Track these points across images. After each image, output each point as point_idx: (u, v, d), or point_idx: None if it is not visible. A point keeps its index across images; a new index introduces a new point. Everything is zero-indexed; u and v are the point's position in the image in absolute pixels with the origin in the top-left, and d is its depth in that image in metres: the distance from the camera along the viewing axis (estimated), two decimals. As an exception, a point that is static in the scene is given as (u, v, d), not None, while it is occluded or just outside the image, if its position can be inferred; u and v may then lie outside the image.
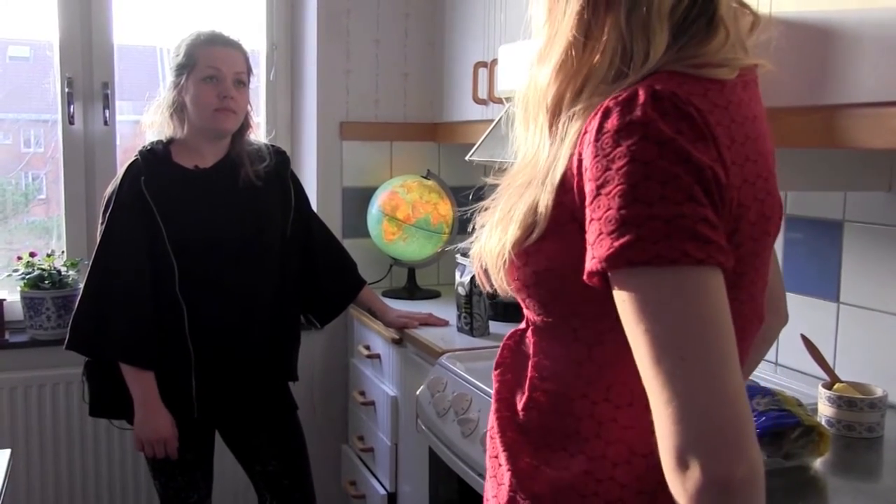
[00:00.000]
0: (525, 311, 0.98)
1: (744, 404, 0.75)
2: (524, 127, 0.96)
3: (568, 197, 0.86)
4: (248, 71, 2.13)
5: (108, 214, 2.04)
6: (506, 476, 0.95)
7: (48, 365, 2.60)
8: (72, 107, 2.68)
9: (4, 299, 2.61)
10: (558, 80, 0.90)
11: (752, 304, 0.90)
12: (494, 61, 2.29)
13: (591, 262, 0.80)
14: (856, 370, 1.63)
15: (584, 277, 0.82)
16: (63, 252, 2.71)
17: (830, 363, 1.62)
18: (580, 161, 0.84)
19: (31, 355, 2.61)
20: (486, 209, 0.99)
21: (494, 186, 0.99)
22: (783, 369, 1.85)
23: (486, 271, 0.98)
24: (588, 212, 0.81)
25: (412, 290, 2.81)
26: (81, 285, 2.51)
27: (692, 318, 0.75)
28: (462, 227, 2.80)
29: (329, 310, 2.38)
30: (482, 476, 1.68)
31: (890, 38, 1.17)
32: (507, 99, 2.13)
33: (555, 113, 0.91)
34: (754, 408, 1.32)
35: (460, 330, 2.26)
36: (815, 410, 1.51)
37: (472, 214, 1.02)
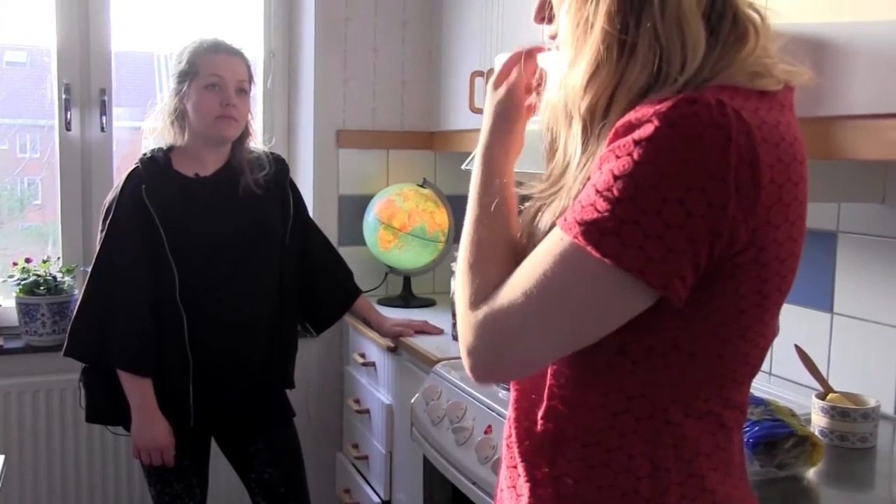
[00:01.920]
0: None
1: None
2: (555, 136, 0.94)
3: None
4: (250, 79, 2.14)
5: (108, 222, 2.04)
6: (525, 487, 0.94)
7: (43, 371, 2.60)
8: (69, 113, 2.68)
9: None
10: (595, 84, 0.87)
11: (772, 322, 0.91)
12: (491, 71, 2.29)
13: (567, 215, 0.83)
14: (849, 381, 1.64)
15: (555, 219, 0.86)
16: (59, 258, 2.71)
17: (824, 373, 1.62)
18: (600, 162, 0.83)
19: (25, 361, 2.60)
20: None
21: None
22: (777, 379, 1.85)
23: None
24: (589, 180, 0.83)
25: (407, 299, 2.81)
26: (77, 292, 2.52)
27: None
28: (458, 236, 2.80)
29: (324, 318, 2.38)
30: (476, 484, 1.68)
31: (883, 51, 1.18)
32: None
33: (591, 120, 0.88)
34: (748, 417, 1.33)
35: (455, 338, 2.26)
36: (809, 420, 1.51)
37: None
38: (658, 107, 0.80)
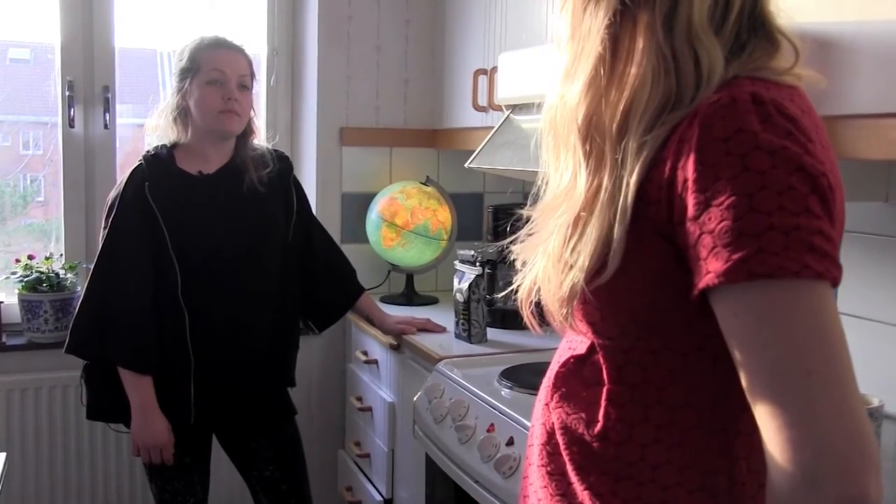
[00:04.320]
0: (591, 338, 0.92)
1: (868, 421, 0.73)
2: (554, 150, 0.91)
3: (650, 211, 0.82)
4: (252, 75, 2.14)
5: (111, 219, 2.05)
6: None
7: (45, 368, 2.60)
8: (72, 110, 2.68)
9: (2, 302, 2.61)
10: (588, 98, 0.86)
11: None
12: (494, 69, 2.30)
13: (707, 276, 0.76)
14: (852, 380, 1.63)
15: (695, 293, 0.78)
16: (62, 255, 2.71)
17: (827, 373, 1.62)
18: (672, 171, 0.80)
19: (28, 358, 2.61)
20: (523, 244, 0.94)
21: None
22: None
23: (537, 310, 0.94)
24: (693, 226, 0.77)
25: (410, 297, 2.81)
26: (80, 289, 2.52)
27: (816, 332, 0.72)
28: (461, 234, 2.81)
29: (327, 316, 2.38)
30: (478, 482, 1.68)
31: (887, 51, 1.18)
32: (507, 106, 2.15)
33: (587, 135, 0.86)
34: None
35: (458, 336, 2.26)
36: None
37: (506, 249, 0.97)
38: (714, 107, 0.78)
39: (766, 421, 0.73)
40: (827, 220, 0.76)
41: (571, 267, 0.86)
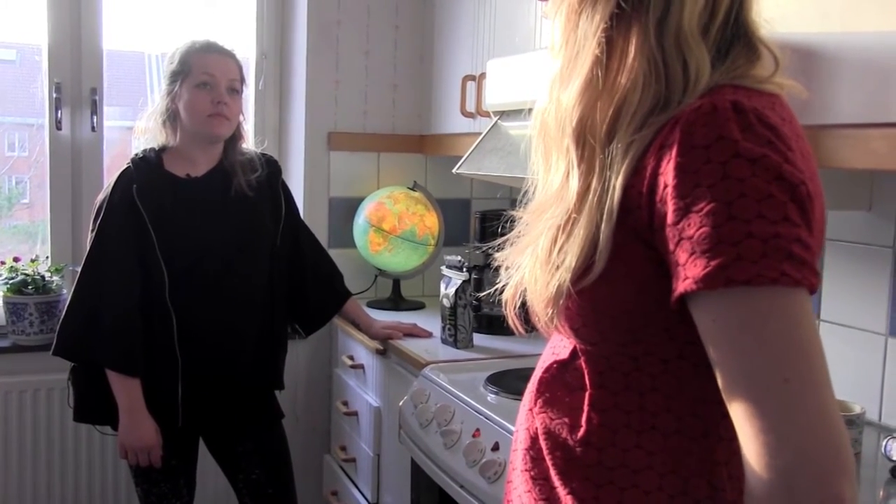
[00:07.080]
0: (573, 342, 0.92)
1: (844, 427, 0.74)
2: (545, 153, 0.92)
3: (632, 217, 0.82)
4: (242, 79, 2.14)
5: (98, 221, 2.04)
6: None
7: (30, 370, 2.59)
8: (59, 112, 2.67)
9: (-13, 304, 2.60)
10: (583, 101, 0.86)
11: None
12: (483, 75, 2.31)
13: (685, 282, 0.76)
14: (834, 387, 1.64)
15: (674, 299, 0.78)
16: (48, 257, 2.70)
17: (810, 380, 1.63)
18: (653, 176, 0.80)
19: (13, 361, 2.59)
20: (511, 245, 0.95)
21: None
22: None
23: (521, 311, 0.94)
24: (672, 231, 0.78)
25: (397, 301, 2.81)
26: (65, 291, 2.52)
27: (793, 339, 0.74)
28: (448, 240, 2.81)
29: (314, 320, 2.38)
30: (464, 487, 1.69)
31: (870, 61, 1.19)
32: (495, 113, 2.16)
33: (580, 137, 0.86)
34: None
35: (444, 342, 2.26)
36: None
37: (494, 251, 0.98)
38: (695, 114, 0.79)
39: (743, 426, 0.74)
40: (805, 228, 0.76)
41: (558, 267, 0.86)
